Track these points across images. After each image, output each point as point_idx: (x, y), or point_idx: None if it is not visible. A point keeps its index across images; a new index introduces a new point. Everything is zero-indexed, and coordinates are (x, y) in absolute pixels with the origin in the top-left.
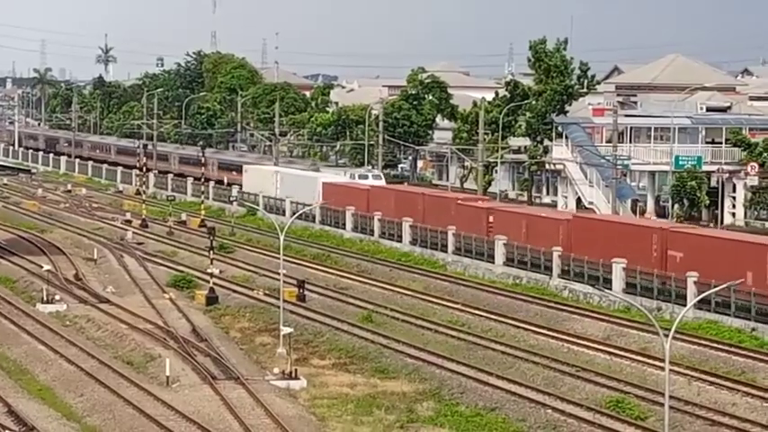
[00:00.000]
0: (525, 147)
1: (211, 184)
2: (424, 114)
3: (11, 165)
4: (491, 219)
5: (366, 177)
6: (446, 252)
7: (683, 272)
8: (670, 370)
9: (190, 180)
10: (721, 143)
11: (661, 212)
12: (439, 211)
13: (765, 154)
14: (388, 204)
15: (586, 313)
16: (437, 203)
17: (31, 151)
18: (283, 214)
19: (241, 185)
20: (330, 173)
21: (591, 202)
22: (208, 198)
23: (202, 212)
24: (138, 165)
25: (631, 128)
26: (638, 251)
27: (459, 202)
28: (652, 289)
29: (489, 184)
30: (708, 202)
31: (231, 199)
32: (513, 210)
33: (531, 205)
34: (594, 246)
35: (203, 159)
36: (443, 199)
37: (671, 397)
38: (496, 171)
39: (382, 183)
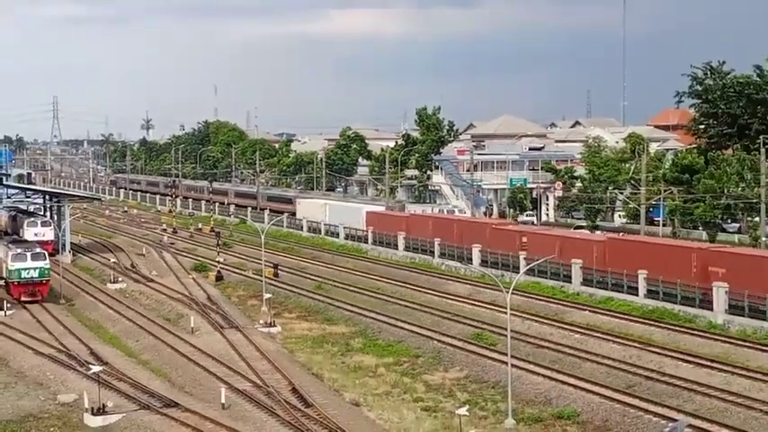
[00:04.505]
0: (415, 176)
1: (217, 204)
2: (351, 156)
3: (88, 195)
4: (524, 240)
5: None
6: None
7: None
8: (510, 313)
9: (202, 202)
10: (539, 170)
11: (501, 214)
12: (473, 234)
13: (566, 176)
14: (425, 229)
15: (457, 279)
16: (471, 227)
17: (101, 186)
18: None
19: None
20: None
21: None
22: (215, 213)
23: (212, 222)
24: (171, 193)
25: (482, 162)
26: (677, 268)
27: (494, 226)
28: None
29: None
30: (531, 207)
31: (229, 213)
32: (545, 232)
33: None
34: (629, 264)
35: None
36: (478, 224)
37: (512, 330)
38: (398, 191)
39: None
